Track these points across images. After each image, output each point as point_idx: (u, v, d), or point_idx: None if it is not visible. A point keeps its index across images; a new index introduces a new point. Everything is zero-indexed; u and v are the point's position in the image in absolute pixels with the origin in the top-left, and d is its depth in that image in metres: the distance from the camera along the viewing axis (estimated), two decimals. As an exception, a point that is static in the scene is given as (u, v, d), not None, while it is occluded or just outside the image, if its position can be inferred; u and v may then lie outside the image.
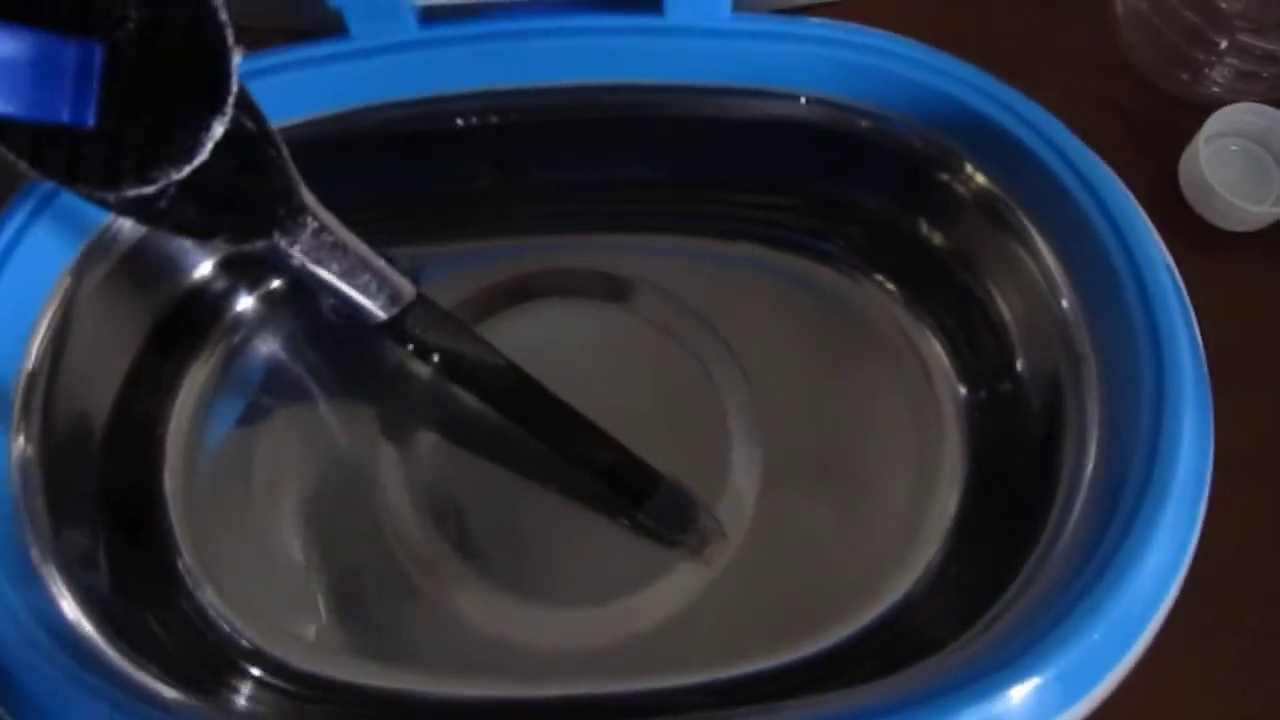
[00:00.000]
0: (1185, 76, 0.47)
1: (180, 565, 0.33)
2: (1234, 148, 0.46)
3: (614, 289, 0.37)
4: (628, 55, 0.32)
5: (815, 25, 0.32)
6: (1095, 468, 0.28)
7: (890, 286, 0.36)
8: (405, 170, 0.34)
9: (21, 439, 0.29)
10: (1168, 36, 0.47)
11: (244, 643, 0.32)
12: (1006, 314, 0.33)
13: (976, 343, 0.34)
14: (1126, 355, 0.28)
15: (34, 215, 0.30)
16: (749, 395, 0.36)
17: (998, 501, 0.32)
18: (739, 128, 0.33)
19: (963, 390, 0.35)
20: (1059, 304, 0.30)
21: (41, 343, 0.31)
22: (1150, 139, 0.47)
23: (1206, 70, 0.47)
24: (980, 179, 0.32)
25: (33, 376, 0.30)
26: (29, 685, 0.25)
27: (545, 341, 0.35)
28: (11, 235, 0.30)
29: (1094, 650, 0.25)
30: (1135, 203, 0.30)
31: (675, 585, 0.34)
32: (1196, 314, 0.38)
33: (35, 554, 0.28)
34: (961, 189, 0.33)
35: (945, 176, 0.33)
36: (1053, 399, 0.30)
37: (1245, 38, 0.45)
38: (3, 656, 0.25)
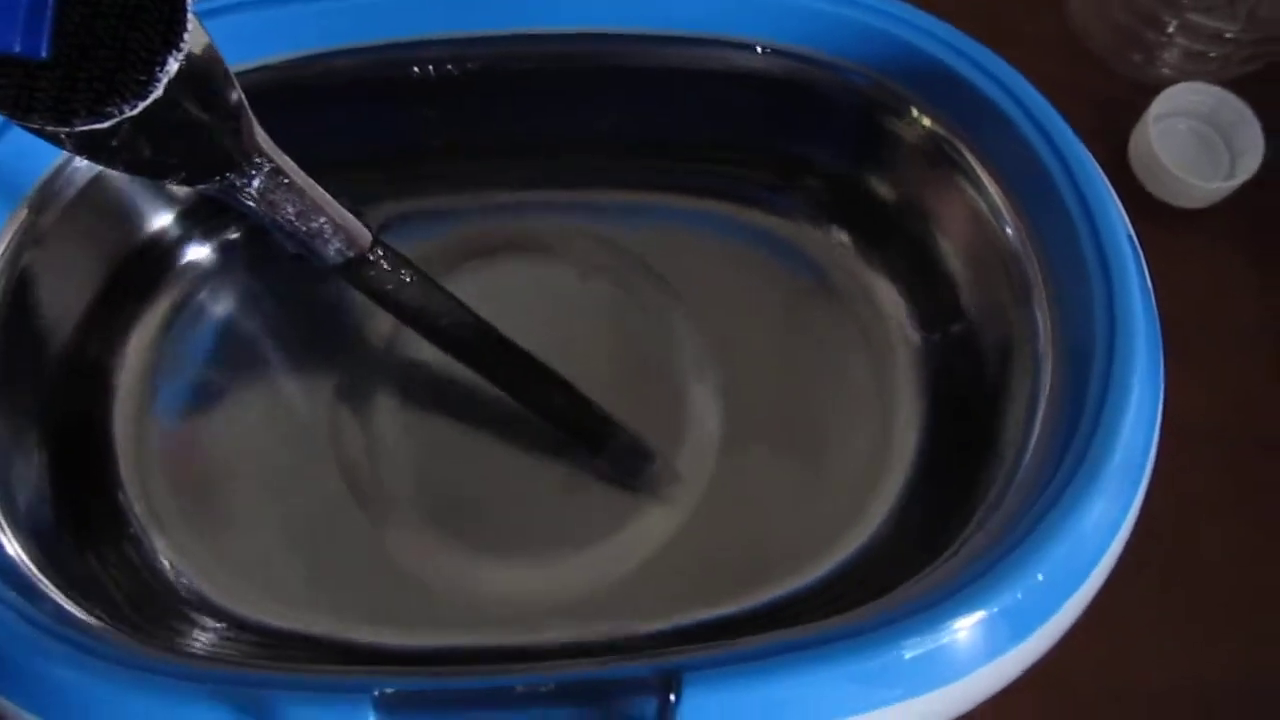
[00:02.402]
0: (1138, 58, 0.48)
1: (128, 511, 0.33)
2: (1182, 126, 0.47)
3: (571, 244, 0.37)
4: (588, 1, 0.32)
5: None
6: (1049, 405, 0.28)
7: (844, 237, 0.36)
8: (363, 121, 0.34)
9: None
10: (1120, 19, 0.48)
11: (189, 591, 0.32)
12: (955, 257, 0.34)
13: (929, 287, 0.35)
14: (1076, 279, 0.28)
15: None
16: (707, 347, 0.36)
17: (956, 443, 0.33)
18: (697, 79, 0.34)
19: (917, 335, 0.35)
20: (1006, 236, 0.31)
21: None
22: (1104, 119, 0.48)
23: (1158, 51, 0.48)
24: (928, 123, 0.33)
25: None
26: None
27: (504, 296, 0.35)
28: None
29: (1040, 589, 0.25)
30: (1076, 134, 0.31)
31: (638, 534, 0.34)
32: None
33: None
34: (911, 135, 0.33)
35: (895, 123, 0.33)
36: (1004, 335, 0.31)
37: (1194, 17, 0.46)
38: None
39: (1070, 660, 0.31)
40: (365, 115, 0.34)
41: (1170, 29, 0.47)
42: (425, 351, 0.34)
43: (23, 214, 0.31)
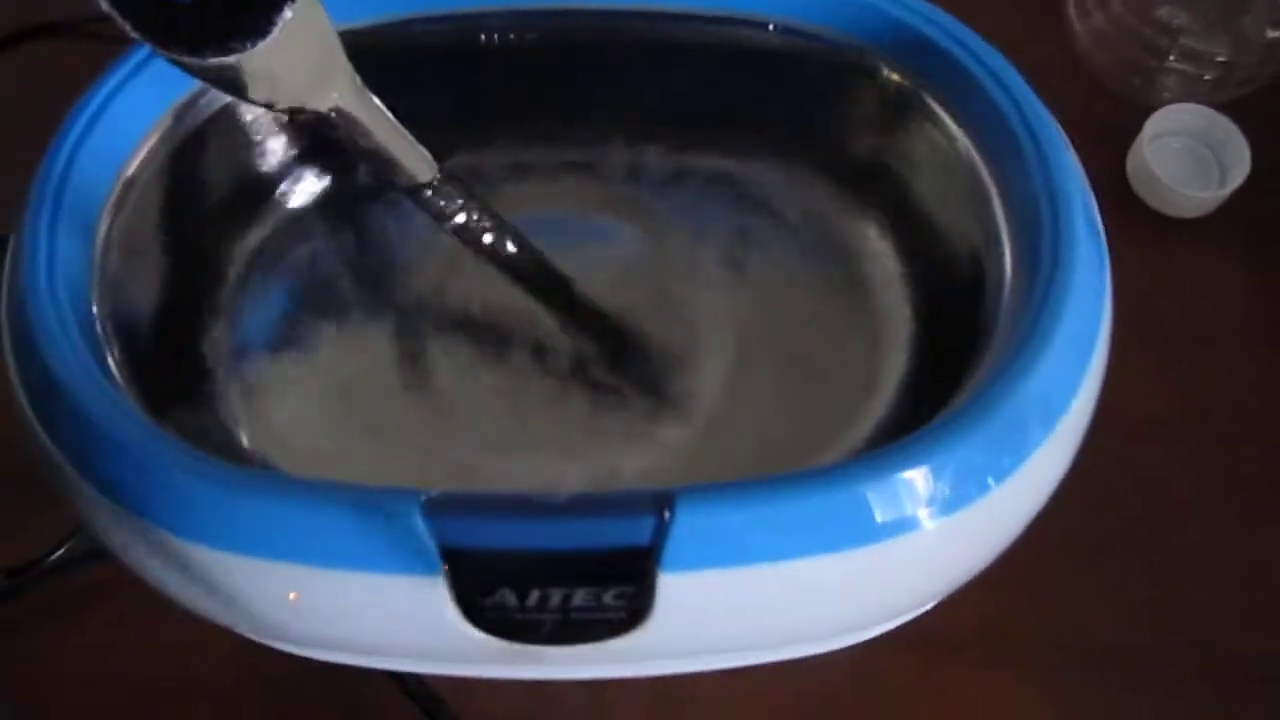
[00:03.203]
0: (1137, 81, 0.53)
1: (214, 386, 0.38)
2: (1176, 145, 0.51)
3: (609, 194, 0.43)
4: None
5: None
6: (1011, 294, 0.32)
7: (832, 188, 0.42)
8: (433, 82, 0.39)
9: (105, 227, 0.35)
10: (1121, 47, 0.53)
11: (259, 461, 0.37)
12: (930, 193, 0.39)
13: (908, 221, 0.40)
14: (1025, 185, 0.33)
15: (138, 70, 0.36)
16: (723, 285, 0.41)
17: (939, 360, 0.37)
18: (706, 52, 0.40)
19: (900, 264, 0.40)
20: (969, 167, 0.35)
21: (141, 164, 0.36)
22: (1104, 139, 0.52)
23: (1156, 76, 0.52)
24: (903, 81, 0.38)
25: (122, 191, 0.36)
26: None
27: (546, 233, 0.40)
28: (120, 79, 0.36)
29: (996, 443, 0.29)
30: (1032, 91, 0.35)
31: (652, 448, 0.38)
32: (1144, 294, 0.42)
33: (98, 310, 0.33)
34: (890, 94, 0.38)
35: (877, 83, 0.38)
36: (972, 247, 0.35)
37: (1189, 42, 0.51)
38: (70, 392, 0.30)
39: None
40: (435, 77, 0.40)
41: (1170, 55, 0.51)
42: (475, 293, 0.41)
43: (167, 123, 0.37)
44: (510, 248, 0.38)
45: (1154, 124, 0.50)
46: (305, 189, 0.42)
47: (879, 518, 0.28)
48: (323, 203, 0.42)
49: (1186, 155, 0.51)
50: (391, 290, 0.41)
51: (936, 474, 0.29)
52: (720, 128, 0.42)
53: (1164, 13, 0.51)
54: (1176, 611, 0.42)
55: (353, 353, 0.40)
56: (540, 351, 0.40)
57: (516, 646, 0.31)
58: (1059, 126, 0.35)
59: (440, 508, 0.28)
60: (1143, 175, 0.50)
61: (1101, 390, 0.33)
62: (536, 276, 0.39)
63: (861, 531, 0.29)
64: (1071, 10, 0.55)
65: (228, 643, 0.36)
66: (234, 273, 0.40)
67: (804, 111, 0.40)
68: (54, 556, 0.42)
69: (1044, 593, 0.42)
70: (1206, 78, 0.51)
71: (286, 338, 0.40)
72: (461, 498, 0.28)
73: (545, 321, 0.40)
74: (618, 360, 0.39)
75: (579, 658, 0.32)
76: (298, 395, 0.40)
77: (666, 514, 0.27)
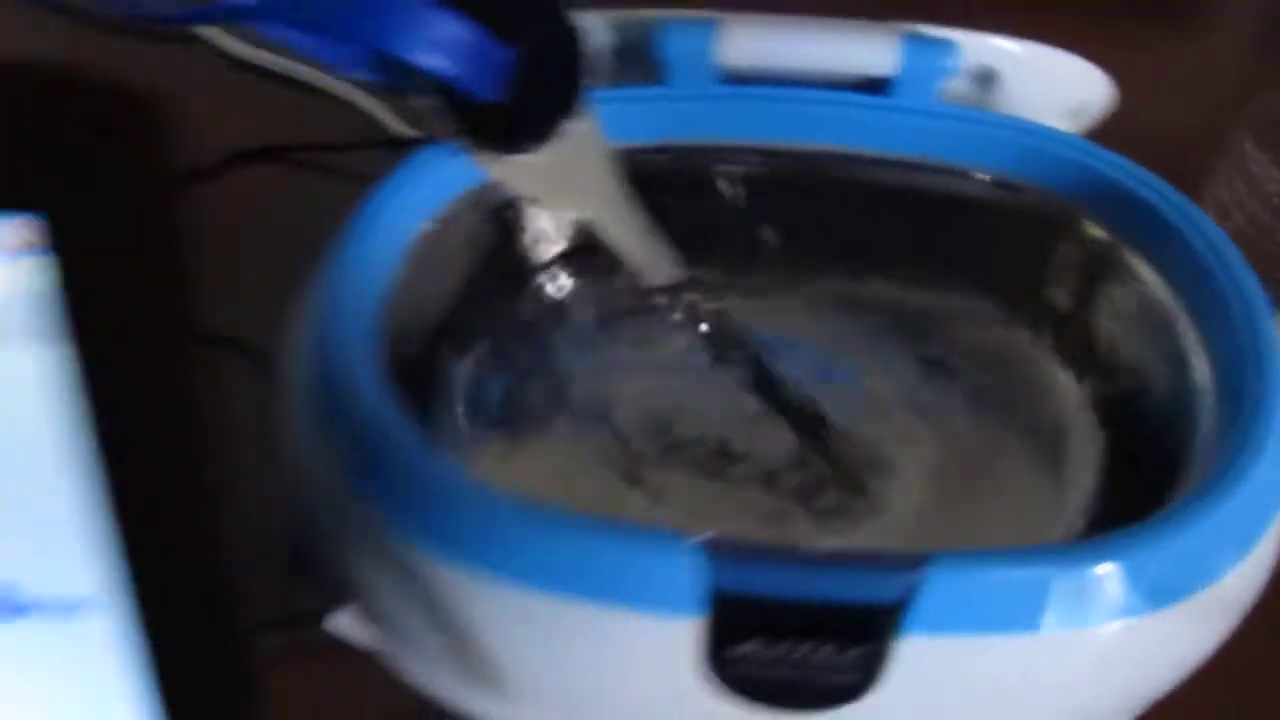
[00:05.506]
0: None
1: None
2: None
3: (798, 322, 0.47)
4: (854, 125, 0.43)
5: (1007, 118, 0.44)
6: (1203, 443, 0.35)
7: (1027, 331, 0.45)
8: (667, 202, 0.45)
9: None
10: (1259, 246, 0.56)
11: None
12: (1125, 342, 0.42)
13: (1100, 370, 0.43)
14: (1228, 339, 0.37)
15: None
16: (911, 415, 0.44)
17: (1131, 480, 0.39)
18: (915, 197, 0.44)
19: (1091, 402, 0.43)
20: (1169, 319, 0.39)
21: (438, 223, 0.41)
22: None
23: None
24: (1101, 232, 0.42)
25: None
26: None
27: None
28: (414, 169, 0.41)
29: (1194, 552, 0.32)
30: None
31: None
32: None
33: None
34: (1089, 248, 0.42)
35: (1076, 237, 0.43)
36: (1169, 390, 0.39)
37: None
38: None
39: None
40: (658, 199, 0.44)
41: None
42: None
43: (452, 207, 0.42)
44: (746, 359, 0.42)
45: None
46: (562, 284, 0.47)
47: (1137, 590, 0.31)
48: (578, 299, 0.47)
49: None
50: (620, 395, 0.45)
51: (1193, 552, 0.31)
52: (917, 265, 0.46)
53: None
54: None
55: (575, 447, 0.43)
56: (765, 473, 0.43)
57: (745, 713, 0.32)
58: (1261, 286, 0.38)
59: (718, 549, 0.30)
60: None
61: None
62: (768, 387, 0.43)
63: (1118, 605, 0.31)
64: (1210, 210, 0.59)
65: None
66: (480, 347, 0.44)
67: (1003, 258, 0.45)
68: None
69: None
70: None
71: (514, 419, 0.44)
72: (738, 542, 0.30)
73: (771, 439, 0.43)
74: (828, 458, 0.43)
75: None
76: (513, 480, 0.42)
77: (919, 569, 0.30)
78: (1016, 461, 0.43)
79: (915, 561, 0.30)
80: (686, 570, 0.30)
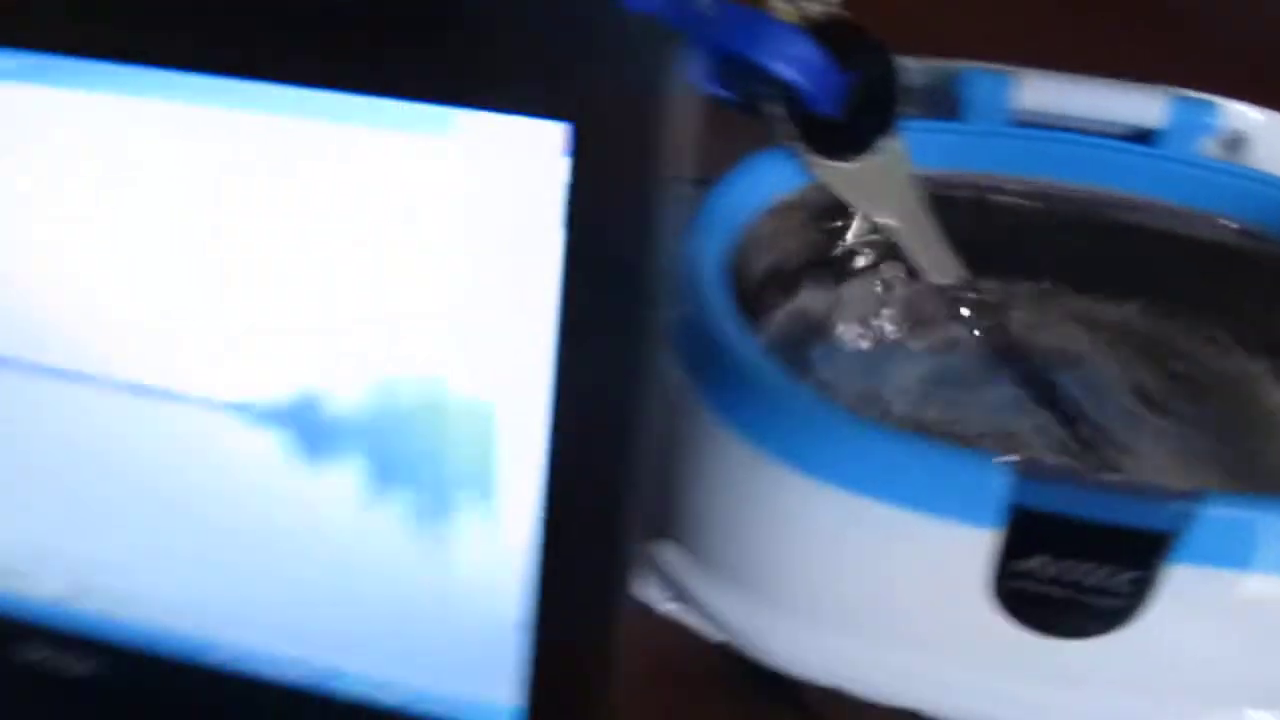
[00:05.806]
0: None
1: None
2: None
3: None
4: (1124, 169, 0.49)
5: (1257, 172, 0.50)
6: None
7: (1265, 363, 0.51)
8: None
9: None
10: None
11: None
12: None
13: None
14: None
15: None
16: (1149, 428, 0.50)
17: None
18: (1169, 238, 0.50)
19: None
20: None
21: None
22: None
23: None
24: None
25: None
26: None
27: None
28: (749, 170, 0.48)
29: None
30: None
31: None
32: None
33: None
34: None
35: None
36: None
37: None
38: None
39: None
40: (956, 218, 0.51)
41: None
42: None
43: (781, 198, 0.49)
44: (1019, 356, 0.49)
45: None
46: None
47: None
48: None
49: None
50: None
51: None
52: (1162, 299, 0.52)
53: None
54: None
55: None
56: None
57: (1013, 630, 0.37)
58: None
59: (1024, 467, 0.35)
60: None
61: None
62: (1036, 382, 0.50)
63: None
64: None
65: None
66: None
67: (1244, 297, 0.50)
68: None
69: None
70: None
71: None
72: (1041, 464, 0.36)
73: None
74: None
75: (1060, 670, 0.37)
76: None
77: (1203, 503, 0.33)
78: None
79: (1193, 496, 0.35)
80: (995, 483, 0.35)
